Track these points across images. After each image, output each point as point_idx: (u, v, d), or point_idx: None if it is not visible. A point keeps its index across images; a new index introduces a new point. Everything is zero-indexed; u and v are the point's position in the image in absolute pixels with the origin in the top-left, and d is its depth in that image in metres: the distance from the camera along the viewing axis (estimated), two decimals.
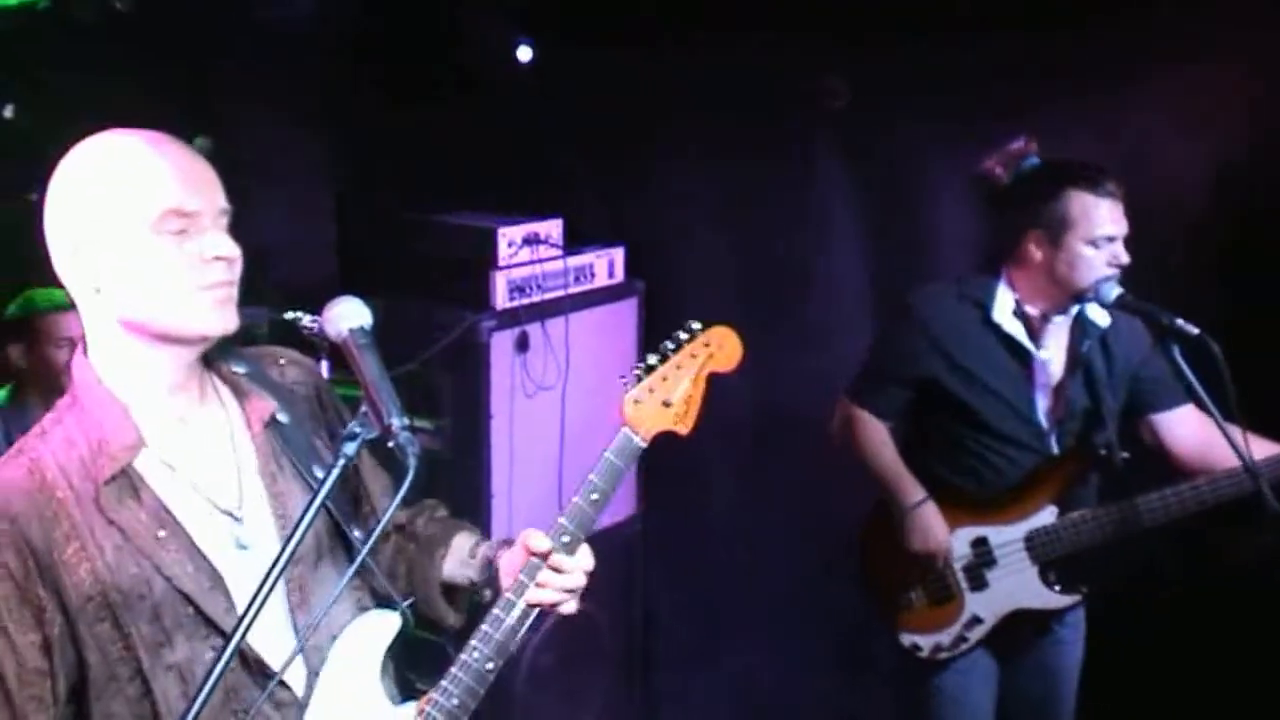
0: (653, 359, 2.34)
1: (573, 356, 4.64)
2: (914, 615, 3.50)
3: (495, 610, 2.19)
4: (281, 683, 2.03)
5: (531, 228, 4.57)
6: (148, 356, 2.00)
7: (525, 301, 4.53)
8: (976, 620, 3.46)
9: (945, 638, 3.47)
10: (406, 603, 2.19)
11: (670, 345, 2.35)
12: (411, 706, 2.14)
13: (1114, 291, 3.25)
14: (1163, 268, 3.98)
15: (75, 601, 1.94)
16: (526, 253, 4.54)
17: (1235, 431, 3.11)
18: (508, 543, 2.31)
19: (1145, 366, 3.45)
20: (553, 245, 4.62)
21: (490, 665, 2.15)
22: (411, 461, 1.86)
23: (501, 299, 4.46)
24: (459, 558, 2.34)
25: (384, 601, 2.22)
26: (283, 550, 1.85)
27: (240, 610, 1.97)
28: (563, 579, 2.21)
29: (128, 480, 1.98)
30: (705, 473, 4.83)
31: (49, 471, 1.97)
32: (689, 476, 4.92)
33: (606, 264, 4.83)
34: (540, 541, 2.21)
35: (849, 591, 3.72)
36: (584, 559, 2.24)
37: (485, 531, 4.34)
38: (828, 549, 4.06)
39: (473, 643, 2.16)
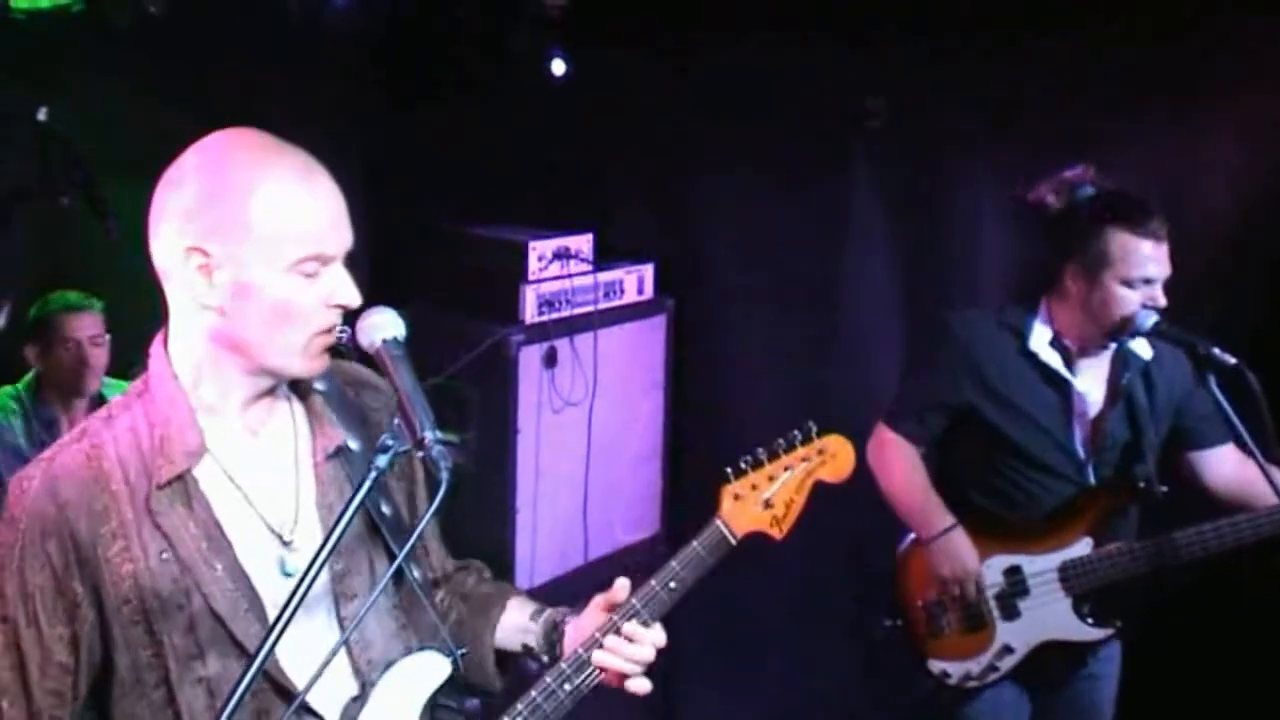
0: (761, 454, 2.26)
1: (600, 373, 4.62)
2: (945, 642, 3.45)
3: (548, 679, 2.14)
4: (315, 713, 1.99)
5: (562, 242, 4.55)
6: (229, 372, 1.95)
7: (554, 316, 4.51)
8: (1008, 650, 3.41)
9: (975, 666, 3.42)
10: (460, 651, 2.12)
11: (782, 443, 2.28)
12: None
13: (1150, 320, 3.20)
14: (1204, 295, 3.96)
15: (112, 601, 1.90)
16: (556, 267, 4.53)
17: (1273, 468, 3.07)
18: (574, 611, 2.25)
19: (1189, 402, 3.41)
20: (583, 260, 4.60)
21: None
22: (445, 475, 1.82)
23: (530, 313, 4.44)
24: (516, 623, 2.28)
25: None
26: (306, 572, 1.80)
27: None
28: (633, 649, 2.15)
29: (183, 486, 1.93)
30: None
31: (107, 461, 1.93)
32: (713, 492, 4.87)
33: (636, 280, 4.81)
34: (622, 593, 2.18)
35: (874, 612, 3.66)
36: (657, 634, 2.18)
37: (509, 547, 4.37)
38: (853, 569, 4.01)
39: (518, 707, 2.10)
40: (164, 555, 1.90)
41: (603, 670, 2.15)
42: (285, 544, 1.98)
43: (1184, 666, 4.17)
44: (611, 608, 2.18)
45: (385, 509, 2.04)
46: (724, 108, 4.77)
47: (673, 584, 2.18)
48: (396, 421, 1.90)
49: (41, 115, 3.76)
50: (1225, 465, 3.42)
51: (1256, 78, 4.06)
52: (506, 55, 4.82)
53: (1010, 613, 3.41)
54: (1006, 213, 4.31)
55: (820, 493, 2.40)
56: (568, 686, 2.13)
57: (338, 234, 1.91)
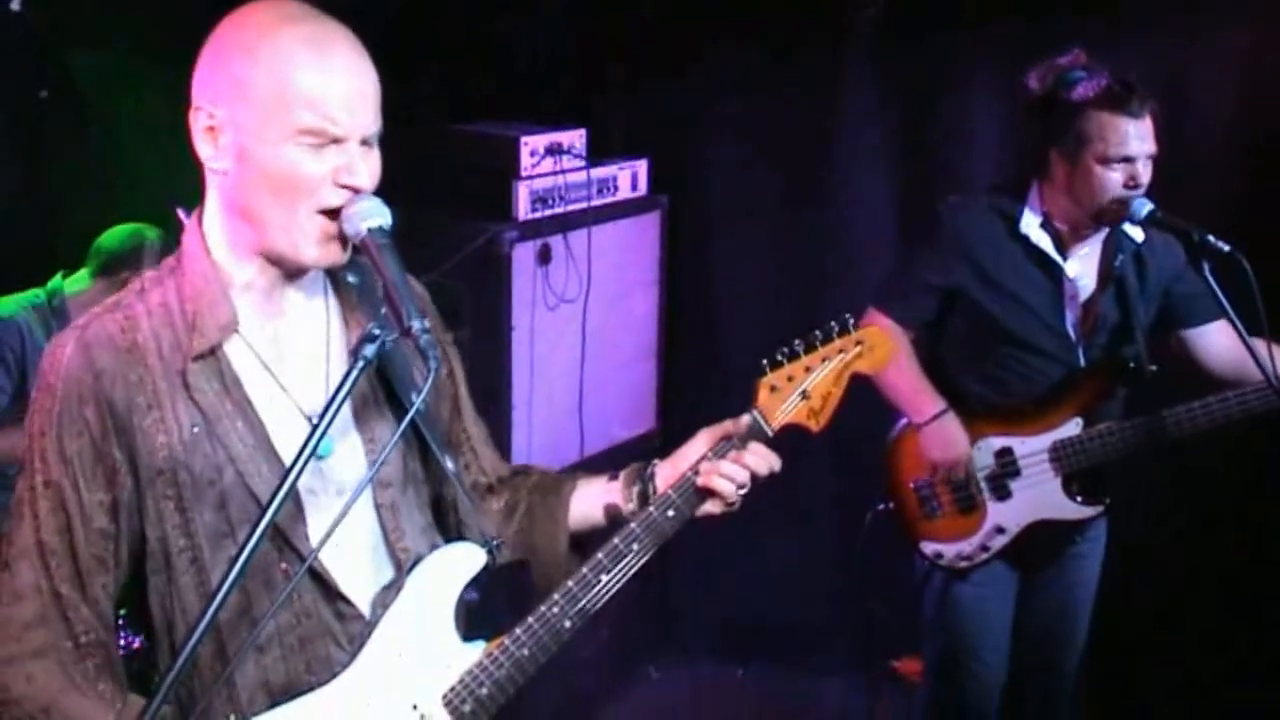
0: (799, 346, 2.23)
1: (595, 270, 4.61)
2: (938, 524, 3.49)
3: (651, 508, 2.14)
4: (345, 599, 2.00)
5: (555, 137, 4.52)
6: (250, 252, 1.96)
7: (547, 213, 4.49)
8: (999, 530, 3.46)
9: (967, 547, 3.47)
10: (495, 542, 2.13)
11: (819, 335, 2.25)
12: (479, 647, 2.09)
13: (1145, 208, 3.20)
14: (1200, 183, 3.95)
15: (145, 472, 1.92)
16: (549, 163, 4.50)
17: (1261, 347, 3.11)
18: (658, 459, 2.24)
19: (1179, 282, 3.43)
20: (576, 156, 4.56)
21: (569, 624, 2.08)
22: (433, 364, 1.82)
23: (524, 210, 4.42)
24: (592, 491, 2.26)
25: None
26: (304, 446, 1.80)
27: (309, 520, 1.97)
28: (754, 461, 2.15)
29: (216, 362, 1.95)
30: (726, 386, 4.80)
31: (141, 334, 1.94)
32: (709, 390, 4.91)
33: (630, 176, 4.78)
34: (735, 426, 2.18)
35: (869, 506, 3.70)
36: (773, 458, 2.18)
37: (505, 444, 4.40)
38: (852, 459, 4.03)
39: (555, 597, 2.09)
40: (195, 429, 1.92)
41: (709, 495, 2.15)
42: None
43: (1166, 553, 4.24)
44: (715, 441, 2.19)
45: (415, 398, 1.98)
46: (720, 4, 4.72)
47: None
48: (384, 311, 1.90)
49: (15, 5, 3.64)
50: (1219, 342, 3.42)
51: None
52: None
53: (1002, 493, 3.45)
54: (1005, 104, 4.29)
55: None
56: (671, 513, 2.13)
57: (349, 113, 1.87)
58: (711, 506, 2.18)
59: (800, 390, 2.22)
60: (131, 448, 1.91)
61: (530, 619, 2.08)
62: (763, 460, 2.17)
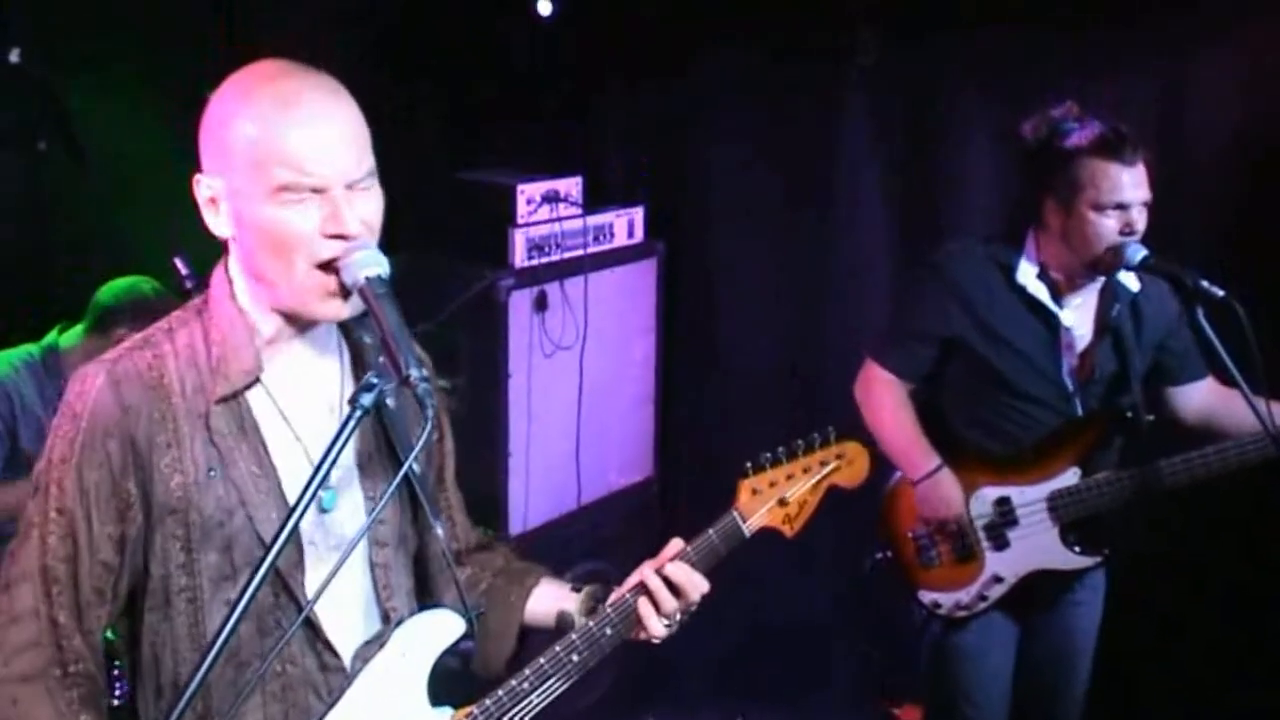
0: (781, 453, 2.34)
1: (591, 317, 4.63)
2: (936, 574, 3.49)
3: (590, 624, 2.18)
4: (332, 650, 2.03)
5: (551, 185, 4.54)
6: (266, 307, 1.99)
7: (544, 261, 4.50)
8: (997, 579, 3.45)
9: (965, 596, 3.46)
10: (477, 611, 2.16)
11: (801, 444, 2.36)
12: (446, 714, 2.12)
13: (1140, 254, 3.21)
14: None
15: (158, 510, 1.94)
16: (546, 210, 4.52)
17: (1258, 398, 3.11)
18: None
19: (1172, 338, 3.45)
20: (572, 204, 4.58)
21: (537, 699, 2.13)
22: (430, 412, 1.83)
23: (520, 257, 4.43)
24: (552, 593, 2.30)
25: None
26: (304, 491, 1.81)
27: (308, 571, 1.99)
28: (686, 592, 2.20)
29: (237, 407, 1.98)
30: (723, 431, 4.81)
31: (168, 374, 1.97)
32: (706, 435, 4.91)
33: (626, 223, 4.80)
34: (673, 549, 2.23)
35: (868, 548, 3.69)
36: (703, 582, 2.23)
37: (502, 491, 4.39)
38: (848, 505, 4.03)
39: (525, 672, 2.14)
40: (211, 473, 1.94)
41: (641, 617, 2.19)
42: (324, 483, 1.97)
43: (1166, 600, 4.23)
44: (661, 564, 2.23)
45: (416, 466, 2.02)
46: (714, 48, 4.75)
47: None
48: (381, 360, 1.91)
49: (14, 57, 3.67)
50: (1197, 398, 3.49)
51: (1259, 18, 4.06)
52: None
53: (1000, 543, 3.44)
54: (1000, 148, 4.31)
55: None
56: (609, 631, 2.18)
57: (321, 163, 1.88)
58: (644, 635, 2.23)
59: (779, 497, 2.33)
60: (147, 485, 1.93)
61: (499, 691, 2.13)
62: (694, 589, 2.21)
